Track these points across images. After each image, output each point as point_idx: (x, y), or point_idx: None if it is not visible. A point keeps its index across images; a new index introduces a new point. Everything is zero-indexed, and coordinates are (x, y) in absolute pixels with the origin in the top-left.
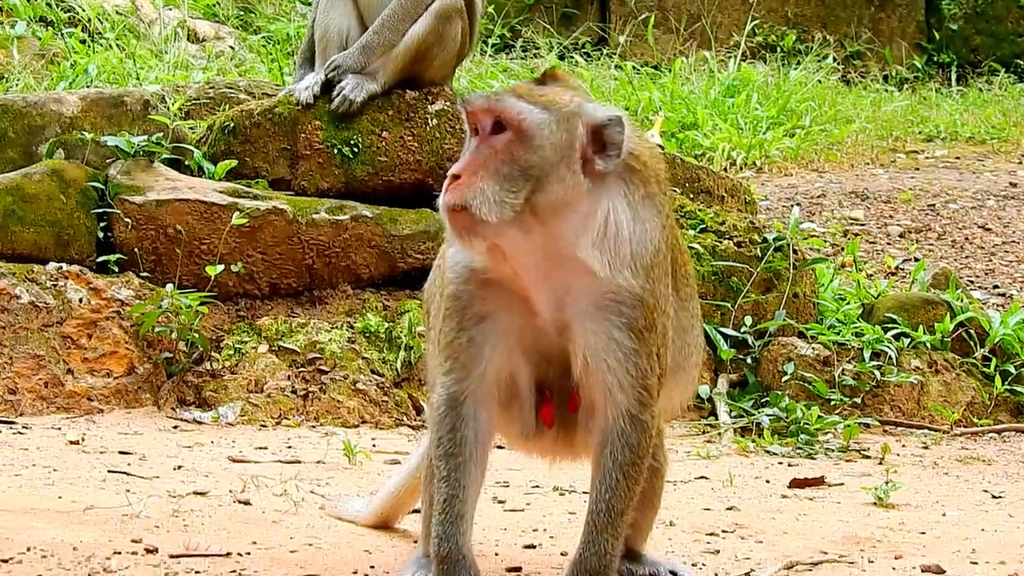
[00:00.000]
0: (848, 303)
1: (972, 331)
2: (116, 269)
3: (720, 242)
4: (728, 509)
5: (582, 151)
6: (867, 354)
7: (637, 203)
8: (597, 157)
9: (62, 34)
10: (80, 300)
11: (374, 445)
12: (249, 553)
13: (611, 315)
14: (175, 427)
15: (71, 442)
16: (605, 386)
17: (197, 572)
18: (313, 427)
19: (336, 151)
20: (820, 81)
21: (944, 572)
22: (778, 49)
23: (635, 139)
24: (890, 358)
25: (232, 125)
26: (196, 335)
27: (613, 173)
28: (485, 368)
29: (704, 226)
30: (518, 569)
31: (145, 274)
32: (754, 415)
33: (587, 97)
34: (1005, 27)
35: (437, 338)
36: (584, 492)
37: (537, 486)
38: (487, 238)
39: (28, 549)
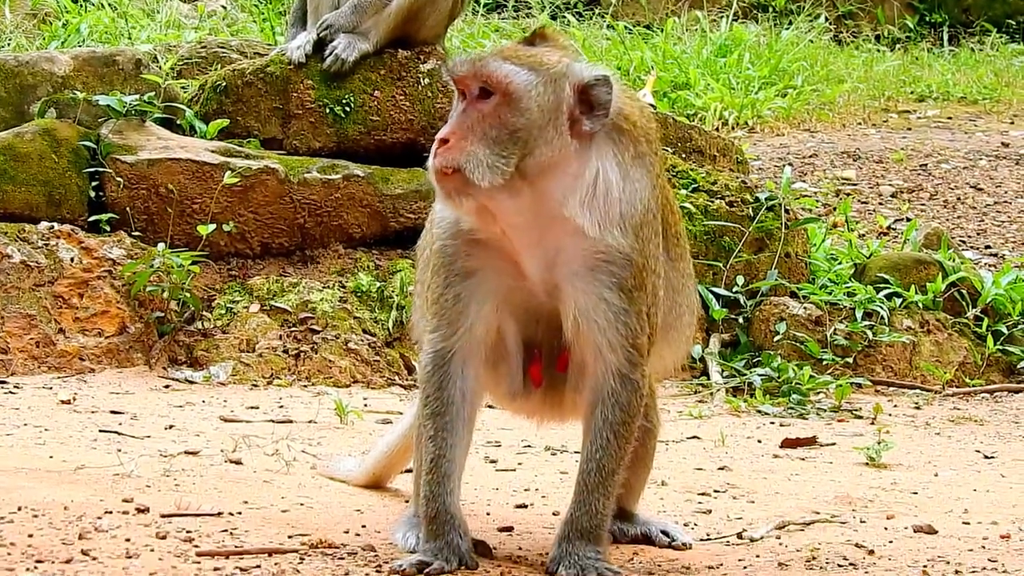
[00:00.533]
0: (840, 263)
1: (964, 291)
2: (108, 228)
3: (712, 202)
4: (720, 469)
5: (569, 112)
6: (859, 314)
7: (627, 163)
8: (584, 117)
9: None
10: (72, 259)
11: (366, 405)
12: (240, 513)
13: (601, 275)
14: (166, 387)
15: (62, 401)
16: (595, 345)
17: (188, 531)
18: (305, 387)
19: (328, 110)
20: (812, 41)
21: (936, 532)
22: (770, 9)
23: (624, 99)
24: (882, 318)
25: (224, 84)
26: (188, 294)
27: (602, 133)
28: (472, 325)
29: (696, 185)
30: (510, 529)
31: (137, 233)
32: (746, 375)
33: (577, 56)
34: None
35: (425, 294)
36: (575, 452)
37: (529, 446)
38: (477, 200)
39: (19, 508)
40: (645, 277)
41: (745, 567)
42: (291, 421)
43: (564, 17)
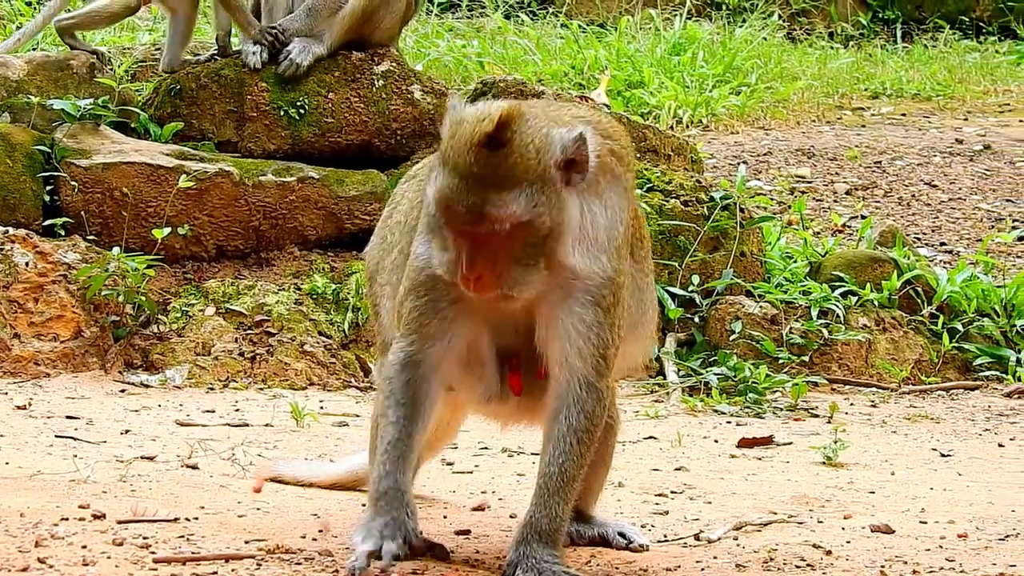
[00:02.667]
0: (795, 261)
1: (919, 288)
2: (63, 232)
3: (667, 201)
4: (677, 469)
5: (563, 184)
6: (815, 312)
7: (605, 192)
8: (573, 176)
9: None
10: (26, 264)
11: (322, 407)
12: (197, 518)
13: (580, 294)
14: (122, 391)
15: (18, 407)
16: (564, 353)
17: (145, 538)
18: (261, 389)
19: (282, 112)
20: (766, 38)
21: (893, 532)
22: (723, 7)
23: (596, 135)
24: (837, 316)
25: (178, 87)
26: (143, 298)
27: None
28: (449, 339)
29: (651, 185)
30: (467, 532)
31: (92, 237)
32: (702, 374)
33: (543, 116)
34: None
35: (397, 310)
36: (532, 453)
37: (486, 447)
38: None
39: None
40: (621, 293)
41: (703, 569)
42: (247, 424)
43: (518, 16)
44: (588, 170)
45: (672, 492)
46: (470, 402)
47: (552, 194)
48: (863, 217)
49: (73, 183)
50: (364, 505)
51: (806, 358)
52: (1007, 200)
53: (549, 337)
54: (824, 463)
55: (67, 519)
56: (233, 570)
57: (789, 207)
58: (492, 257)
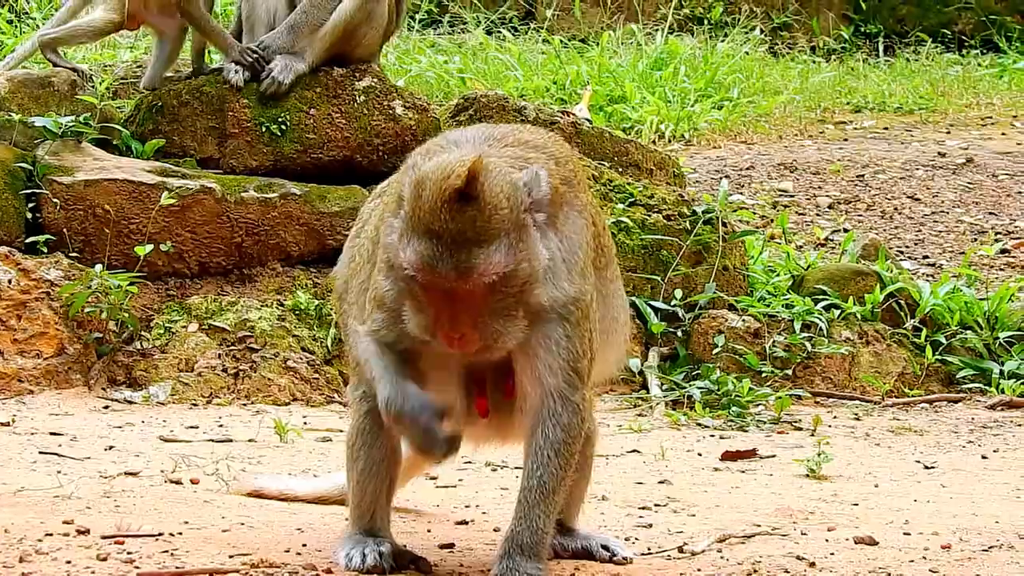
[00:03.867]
0: (778, 275)
1: (902, 301)
2: (45, 250)
3: (649, 215)
4: (660, 483)
5: (531, 222)
6: (798, 326)
7: (562, 223)
8: (535, 215)
9: None
10: (9, 281)
11: (305, 423)
12: (181, 533)
13: (545, 314)
14: (106, 407)
15: (1, 424)
16: (535, 371)
17: (129, 553)
18: (244, 405)
19: (264, 129)
20: (748, 53)
21: (877, 543)
22: (705, 21)
23: (549, 162)
24: (820, 329)
25: (160, 104)
26: (126, 315)
27: None
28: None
29: (633, 199)
30: (451, 546)
31: (74, 254)
32: (685, 388)
33: (496, 158)
34: None
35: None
36: (516, 468)
37: (469, 462)
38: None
39: None
40: (588, 309)
41: None
42: (231, 440)
43: (499, 32)
44: (547, 208)
45: (656, 505)
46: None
47: (527, 239)
48: (846, 231)
49: (55, 200)
50: (347, 520)
51: (789, 371)
52: (990, 213)
53: (519, 357)
54: (808, 476)
55: (51, 535)
56: None
57: (772, 221)
58: (472, 313)
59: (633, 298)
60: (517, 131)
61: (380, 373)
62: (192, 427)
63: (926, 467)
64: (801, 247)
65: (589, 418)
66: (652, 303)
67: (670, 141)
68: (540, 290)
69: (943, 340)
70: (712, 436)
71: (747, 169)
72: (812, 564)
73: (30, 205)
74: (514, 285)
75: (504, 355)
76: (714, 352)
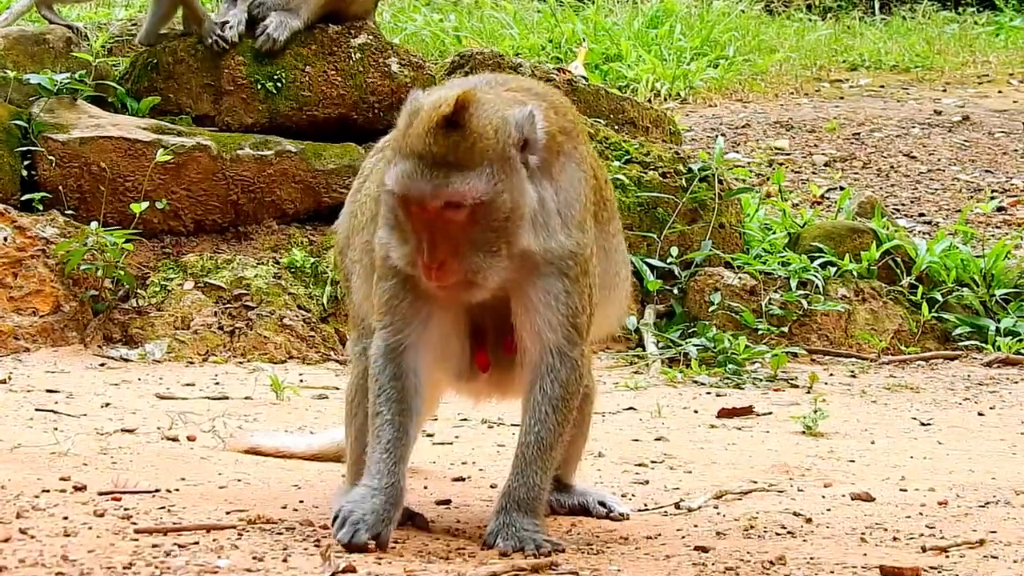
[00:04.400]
0: (774, 232)
1: (898, 259)
2: (40, 207)
3: (645, 173)
4: (657, 440)
5: (520, 161)
6: (794, 283)
7: (558, 173)
8: (528, 157)
9: None
10: (4, 239)
11: (301, 380)
12: (178, 490)
13: (546, 269)
14: (102, 365)
15: None
16: (533, 326)
17: (126, 509)
18: (240, 363)
19: (260, 86)
20: (743, 11)
21: (873, 499)
22: None
23: (548, 110)
24: (817, 287)
25: (155, 61)
26: (122, 272)
27: None
28: (425, 319)
29: (629, 157)
30: (447, 502)
31: (70, 212)
32: (681, 345)
33: (495, 98)
34: None
35: (374, 294)
36: (513, 424)
37: (465, 419)
38: (485, 292)
39: None
40: (587, 263)
41: (683, 537)
42: (227, 398)
43: None
44: (540, 151)
45: (652, 462)
46: (442, 380)
47: (512, 174)
48: (842, 188)
49: (51, 158)
50: (344, 476)
51: (785, 329)
52: (986, 171)
53: (518, 312)
54: (804, 432)
55: (48, 491)
56: (214, 540)
57: (768, 179)
58: (453, 244)
59: (629, 255)
60: (520, 79)
61: (383, 440)
62: (188, 384)
63: (922, 424)
64: (797, 205)
65: (588, 374)
66: (648, 260)
67: (666, 99)
68: (526, 232)
69: (939, 297)
70: (708, 393)
71: (743, 127)
72: (808, 520)
73: (25, 163)
74: (495, 219)
75: (505, 309)
76: (710, 309)
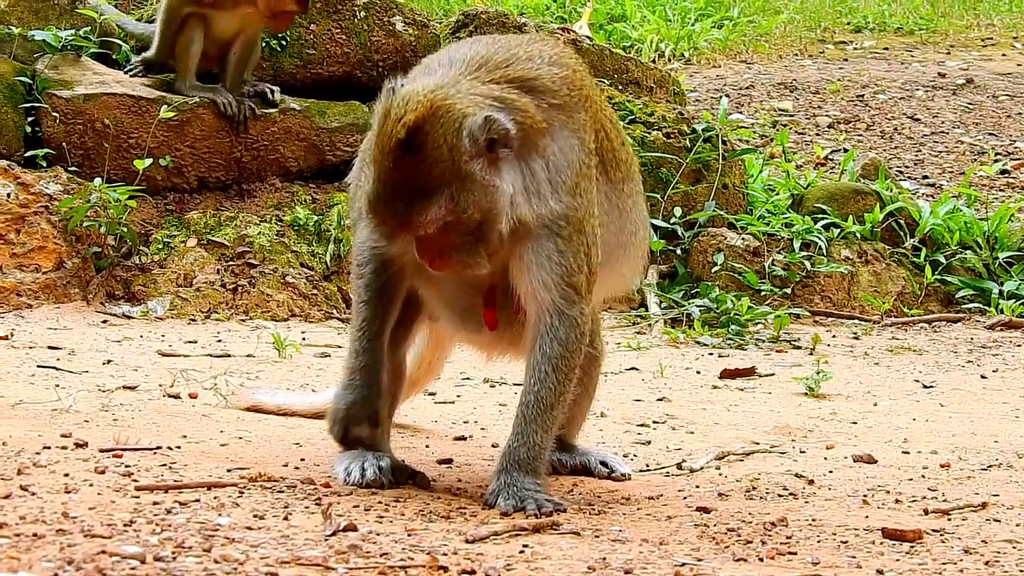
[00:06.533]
0: (777, 193)
1: (902, 221)
2: (44, 164)
3: (649, 133)
4: (659, 400)
5: (489, 165)
6: (797, 244)
7: (545, 146)
8: (500, 151)
9: None
10: (8, 195)
11: (304, 338)
12: (179, 447)
13: (541, 231)
14: (104, 322)
15: (0, 337)
16: (530, 286)
17: (127, 466)
18: (243, 321)
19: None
20: None
21: (875, 461)
22: None
23: (516, 106)
24: (820, 248)
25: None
26: (125, 229)
27: None
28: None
29: (633, 117)
30: (449, 461)
31: (73, 168)
32: (684, 306)
33: (465, 94)
34: None
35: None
36: (515, 384)
37: (467, 378)
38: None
39: None
40: (583, 222)
41: (685, 497)
42: (229, 355)
43: None
44: (513, 139)
45: (654, 422)
46: (453, 333)
47: (473, 186)
48: (845, 150)
49: (55, 114)
50: None
51: (788, 290)
52: (989, 133)
53: (515, 274)
54: (806, 394)
55: (49, 447)
56: (215, 498)
57: (771, 140)
58: (437, 247)
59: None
60: (521, 58)
61: (360, 318)
62: (190, 342)
63: (925, 386)
64: (801, 166)
65: (589, 333)
66: (652, 221)
67: (670, 60)
68: (513, 211)
69: (942, 260)
70: (711, 354)
71: (747, 88)
72: (811, 482)
73: (29, 119)
74: (467, 227)
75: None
76: (713, 270)
